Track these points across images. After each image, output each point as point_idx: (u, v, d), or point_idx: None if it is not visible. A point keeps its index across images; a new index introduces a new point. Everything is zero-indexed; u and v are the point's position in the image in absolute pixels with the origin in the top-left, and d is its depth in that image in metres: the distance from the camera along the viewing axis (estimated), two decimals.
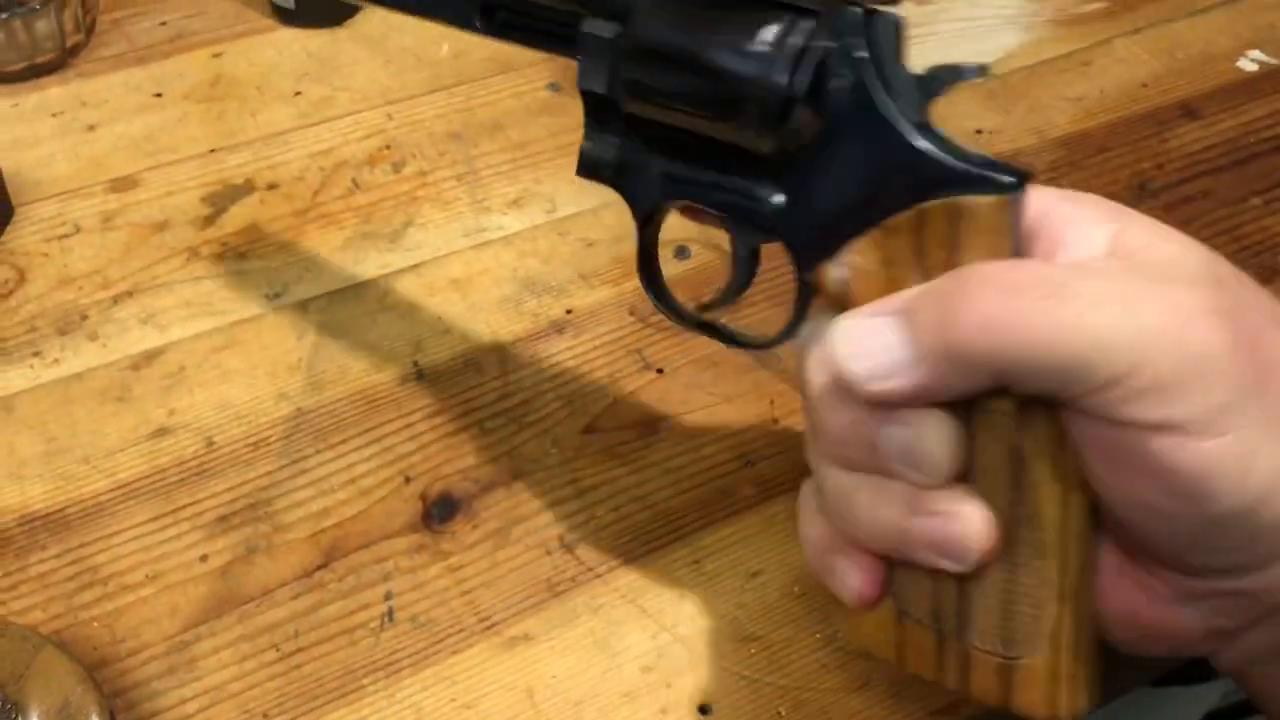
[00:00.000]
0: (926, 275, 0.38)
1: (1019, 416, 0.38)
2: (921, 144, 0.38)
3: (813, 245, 0.41)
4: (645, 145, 0.44)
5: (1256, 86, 0.78)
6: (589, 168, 0.45)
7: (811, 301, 0.42)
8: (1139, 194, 0.71)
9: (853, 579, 0.41)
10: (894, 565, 0.41)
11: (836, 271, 0.40)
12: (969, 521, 0.38)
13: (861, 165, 0.39)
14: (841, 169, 0.40)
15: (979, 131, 0.74)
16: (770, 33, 0.39)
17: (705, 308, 0.46)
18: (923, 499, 0.38)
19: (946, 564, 0.39)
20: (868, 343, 0.37)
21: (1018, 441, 0.38)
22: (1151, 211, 0.71)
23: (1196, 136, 0.74)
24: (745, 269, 0.45)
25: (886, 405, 0.38)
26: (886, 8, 0.40)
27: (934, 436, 0.38)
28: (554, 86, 0.75)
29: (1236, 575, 0.37)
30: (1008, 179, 0.37)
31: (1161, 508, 0.36)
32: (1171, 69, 0.79)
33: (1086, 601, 0.39)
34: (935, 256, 0.38)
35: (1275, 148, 0.74)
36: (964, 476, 0.38)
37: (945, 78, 0.39)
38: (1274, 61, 0.80)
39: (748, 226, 0.43)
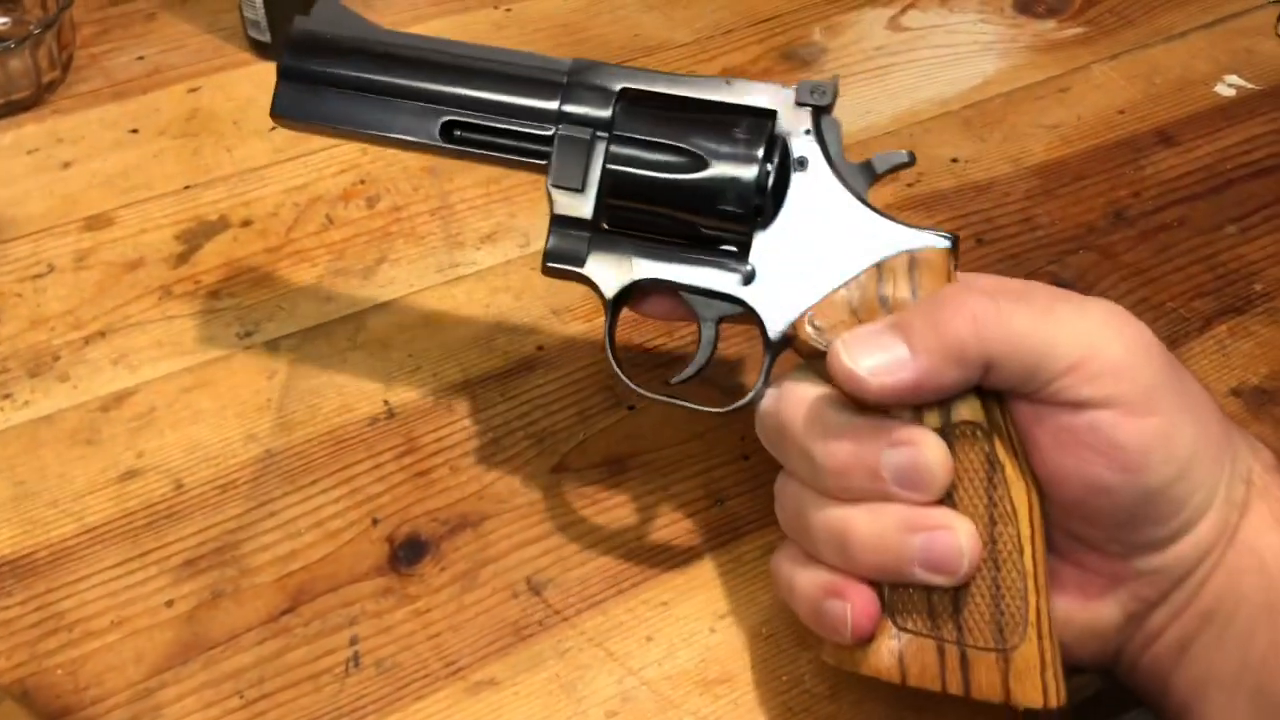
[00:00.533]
0: (890, 314, 0.45)
1: (987, 426, 0.43)
2: (880, 216, 0.47)
3: (781, 309, 0.47)
4: (616, 236, 0.48)
5: (1233, 112, 0.78)
6: (558, 259, 0.49)
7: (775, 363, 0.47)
8: (1114, 222, 0.70)
9: (849, 615, 0.44)
10: (887, 588, 0.44)
11: (810, 327, 0.46)
12: (962, 532, 0.42)
13: (826, 237, 0.46)
14: (805, 242, 0.46)
15: (954, 160, 0.74)
16: (741, 131, 0.46)
17: (672, 383, 0.51)
18: (919, 516, 0.43)
19: (940, 580, 0.43)
20: (870, 345, 0.43)
21: (990, 447, 0.43)
22: (1127, 240, 0.72)
23: (1173, 164, 0.74)
24: (711, 346, 0.49)
25: (883, 410, 0.43)
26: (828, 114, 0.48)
27: (932, 453, 0.42)
28: None
29: (1159, 549, 0.43)
30: (945, 236, 0.46)
31: (1107, 483, 0.42)
32: (1149, 95, 0.79)
33: (1049, 593, 0.43)
34: (897, 297, 0.45)
35: (1252, 174, 0.74)
36: (947, 496, 0.43)
37: (879, 165, 0.47)
38: (1252, 86, 0.80)
39: (717, 301, 0.48)
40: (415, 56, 0.50)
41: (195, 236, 0.68)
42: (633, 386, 0.49)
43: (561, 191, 0.48)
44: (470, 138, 0.50)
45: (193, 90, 0.76)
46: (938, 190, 0.72)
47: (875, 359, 0.42)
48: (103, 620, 0.52)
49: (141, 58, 0.78)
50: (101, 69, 0.77)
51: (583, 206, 0.48)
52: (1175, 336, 0.64)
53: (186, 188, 0.70)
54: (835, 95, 0.47)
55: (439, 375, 0.61)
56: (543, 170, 0.49)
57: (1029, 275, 0.67)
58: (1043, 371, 0.42)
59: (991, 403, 0.44)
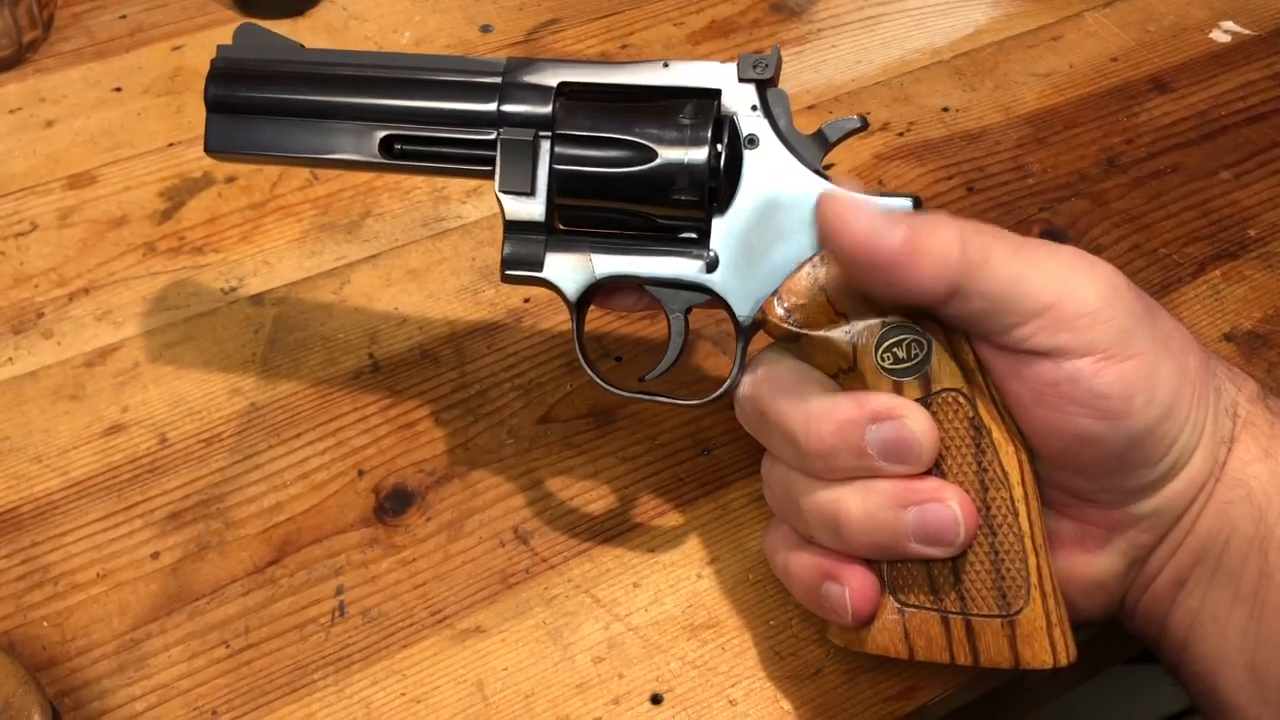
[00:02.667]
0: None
1: (969, 391, 0.43)
2: (839, 188, 0.45)
3: (748, 292, 0.46)
4: (572, 235, 0.47)
5: (1229, 58, 0.77)
6: (515, 266, 0.48)
7: (748, 348, 0.47)
8: (1107, 169, 0.70)
9: (848, 599, 0.43)
10: (886, 565, 0.44)
11: (780, 306, 0.45)
12: (954, 501, 0.42)
13: (785, 215, 0.45)
14: (765, 222, 0.45)
15: (945, 109, 0.73)
16: (686, 116, 0.45)
17: (646, 379, 0.50)
18: (909, 490, 0.42)
19: (937, 552, 0.42)
20: (859, 211, 0.42)
21: (974, 412, 0.42)
22: (1119, 187, 0.71)
23: (1167, 110, 0.73)
24: (681, 337, 0.48)
25: (861, 387, 0.43)
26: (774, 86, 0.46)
27: (916, 424, 0.42)
28: None
29: (1153, 491, 0.43)
30: (909, 198, 0.44)
31: (1093, 432, 0.41)
32: (1143, 42, 0.78)
33: (1048, 551, 0.43)
34: None
35: (1247, 120, 0.73)
36: (936, 466, 0.43)
37: (830, 134, 0.46)
38: (1247, 32, 0.79)
39: (682, 291, 0.47)
40: (344, 73, 0.49)
41: (179, 193, 0.67)
42: (606, 386, 0.49)
43: (511, 196, 0.47)
44: (411, 150, 0.48)
45: (176, 48, 0.76)
46: (928, 139, 0.71)
47: (870, 213, 0.41)
48: (88, 573, 0.52)
49: (124, 16, 0.77)
50: (83, 27, 0.77)
51: (534, 209, 0.47)
52: (1168, 282, 0.64)
53: (170, 145, 0.70)
54: (778, 67, 0.46)
55: (425, 328, 0.61)
56: (489, 176, 0.48)
57: (1020, 222, 0.67)
58: (1011, 309, 0.41)
59: (971, 368, 0.43)
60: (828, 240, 0.43)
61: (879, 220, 0.41)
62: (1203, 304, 0.63)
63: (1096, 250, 0.65)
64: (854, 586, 0.43)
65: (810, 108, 0.73)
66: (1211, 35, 0.78)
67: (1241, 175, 0.70)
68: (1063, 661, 0.42)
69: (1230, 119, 0.73)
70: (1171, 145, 0.71)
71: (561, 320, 0.61)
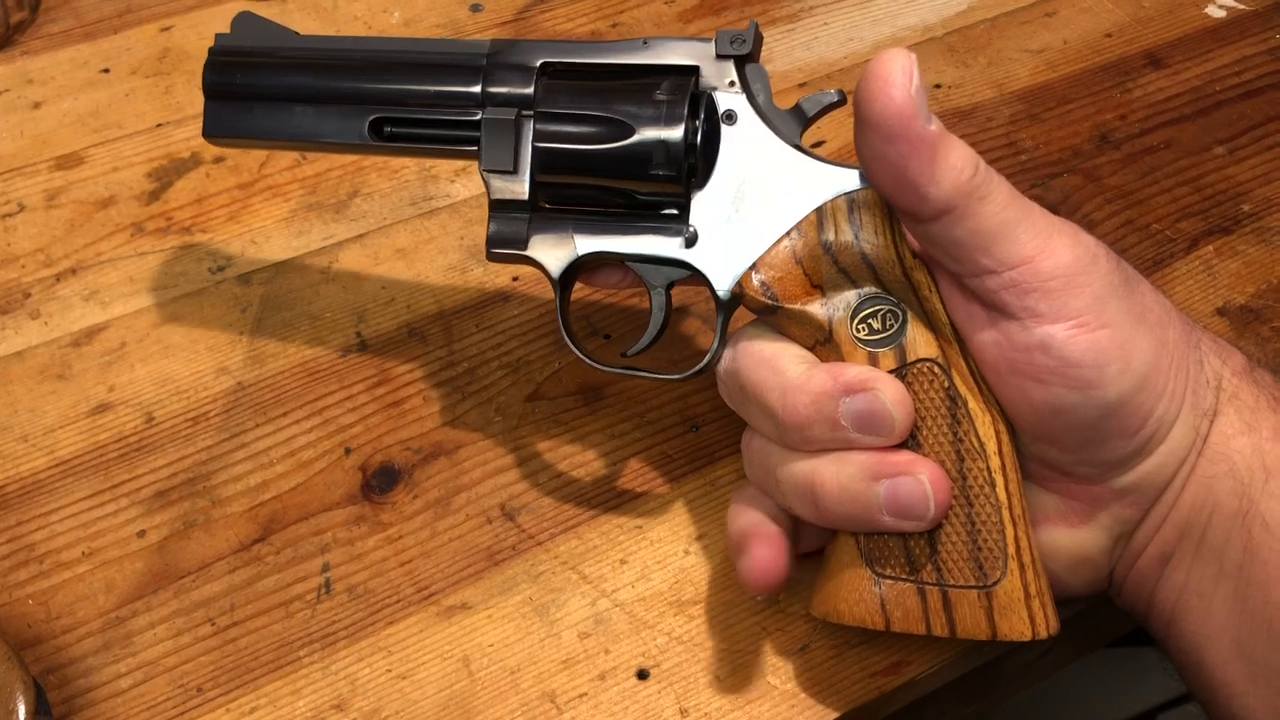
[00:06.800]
0: (835, 259, 0.44)
1: (945, 362, 0.43)
2: (815, 160, 0.45)
3: (727, 266, 0.46)
4: (554, 213, 0.48)
5: (1224, 33, 0.76)
6: (500, 244, 0.48)
7: (730, 321, 0.47)
8: (1100, 145, 0.69)
9: (751, 565, 0.45)
10: (863, 536, 0.44)
11: (757, 279, 0.45)
12: (925, 475, 0.42)
13: (763, 189, 0.45)
14: (743, 197, 0.46)
15: (938, 86, 0.72)
16: (662, 93, 0.45)
17: (628, 354, 0.50)
18: (881, 462, 0.42)
19: (908, 525, 0.42)
20: (907, 81, 0.40)
21: (949, 383, 0.42)
22: (1112, 163, 0.71)
23: (1161, 86, 0.73)
24: (663, 312, 0.48)
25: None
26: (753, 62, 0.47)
27: (889, 395, 0.42)
28: None
29: (1131, 465, 0.43)
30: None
31: (1066, 402, 0.41)
32: (1137, 17, 0.77)
33: (1028, 523, 0.43)
34: (840, 241, 0.44)
35: (1241, 95, 0.72)
36: (911, 438, 0.43)
37: (809, 108, 0.46)
38: (1243, 7, 0.78)
39: (663, 266, 0.47)
40: (335, 59, 0.49)
41: (167, 174, 0.67)
42: (590, 361, 0.49)
43: (495, 175, 0.47)
44: (400, 132, 0.49)
45: (164, 29, 0.75)
46: None
47: (916, 89, 0.40)
48: (74, 551, 0.51)
49: None
50: (71, 9, 0.76)
51: (518, 188, 0.47)
52: (1160, 258, 0.63)
53: (158, 126, 0.69)
54: (757, 42, 0.46)
55: (413, 307, 0.61)
56: (475, 157, 0.48)
57: None
58: (990, 253, 0.40)
59: (947, 338, 0.43)
60: (864, 96, 0.40)
61: (922, 99, 0.40)
62: (1195, 279, 0.63)
63: (1089, 226, 0.65)
64: (761, 552, 0.45)
65: (802, 85, 0.72)
66: (1206, 10, 0.78)
67: (1235, 150, 0.69)
68: (1042, 634, 0.42)
69: (1225, 94, 0.72)
70: (1165, 121, 0.71)
71: (550, 299, 0.61)
